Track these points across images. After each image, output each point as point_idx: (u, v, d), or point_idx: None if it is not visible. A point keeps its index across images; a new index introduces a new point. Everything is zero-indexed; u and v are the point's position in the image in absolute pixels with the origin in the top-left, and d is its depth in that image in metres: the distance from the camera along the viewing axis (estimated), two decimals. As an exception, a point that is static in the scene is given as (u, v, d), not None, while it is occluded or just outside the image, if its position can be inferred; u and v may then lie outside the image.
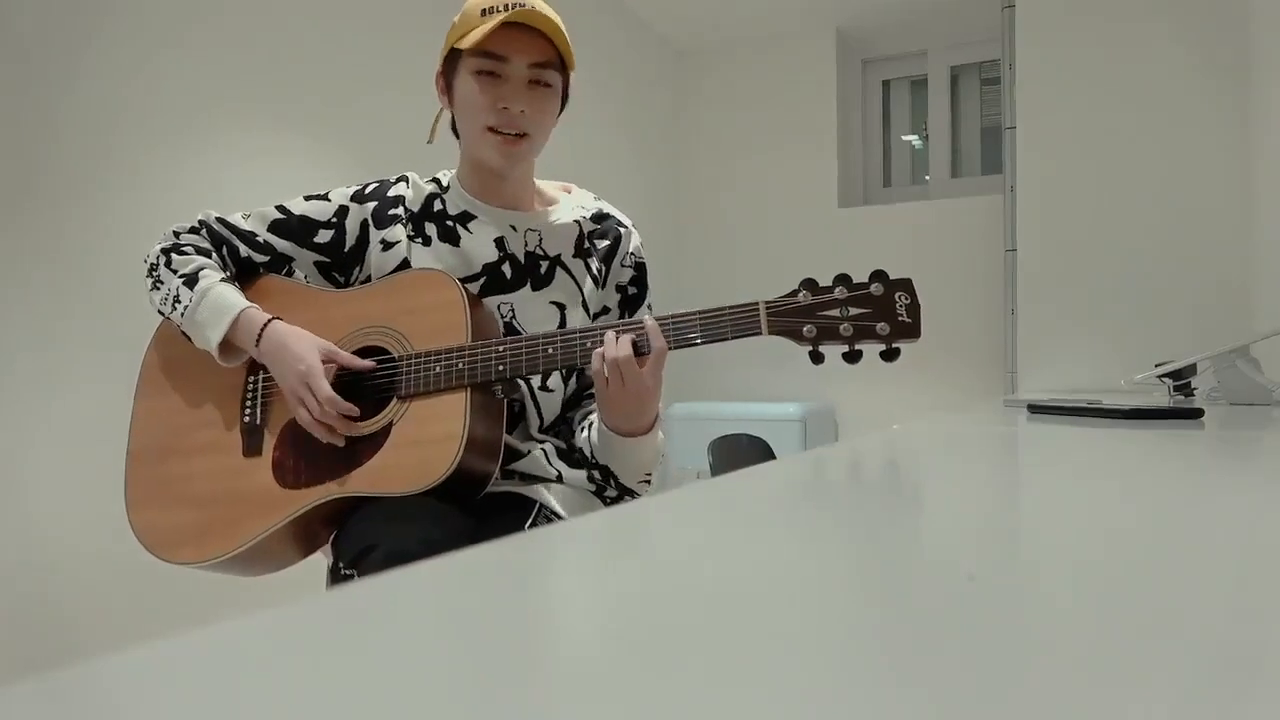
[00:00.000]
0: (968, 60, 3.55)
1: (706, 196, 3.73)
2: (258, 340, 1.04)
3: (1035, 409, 1.19)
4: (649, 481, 1.11)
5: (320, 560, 1.14)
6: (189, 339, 1.08)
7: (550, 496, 1.12)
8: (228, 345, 1.06)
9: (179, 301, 1.07)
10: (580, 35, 1.08)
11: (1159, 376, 1.51)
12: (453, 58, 1.08)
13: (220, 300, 1.05)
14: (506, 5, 1.03)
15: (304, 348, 1.02)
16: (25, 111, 1.63)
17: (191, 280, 1.07)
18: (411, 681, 0.20)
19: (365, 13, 2.32)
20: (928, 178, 3.64)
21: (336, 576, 0.95)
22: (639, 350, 0.97)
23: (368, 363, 1.04)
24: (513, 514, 1.06)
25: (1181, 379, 1.52)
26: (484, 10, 1.04)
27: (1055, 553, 0.35)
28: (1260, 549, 0.35)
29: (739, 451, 1.87)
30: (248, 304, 1.06)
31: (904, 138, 3.77)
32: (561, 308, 1.14)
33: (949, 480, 0.62)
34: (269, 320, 1.05)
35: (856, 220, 3.51)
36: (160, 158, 1.84)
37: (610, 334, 0.98)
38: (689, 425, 3.28)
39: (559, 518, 1.09)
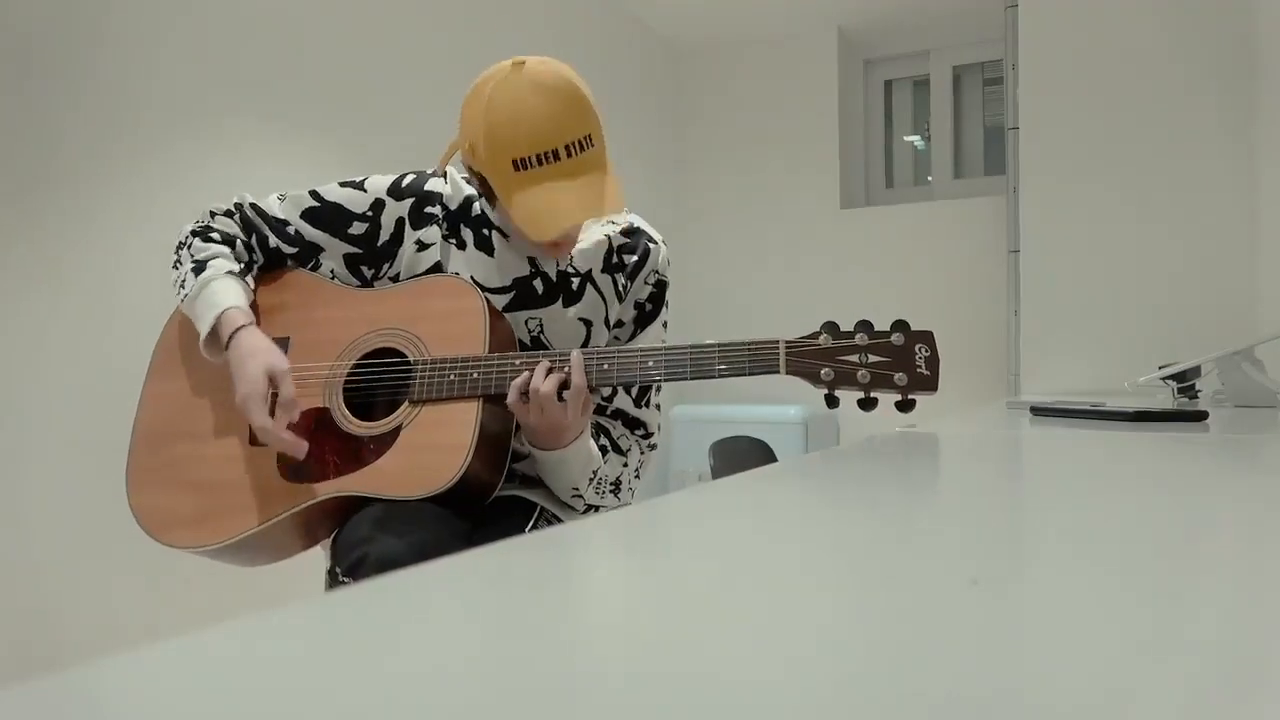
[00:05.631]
0: (970, 60, 3.55)
1: (708, 198, 3.73)
2: (226, 345, 1.04)
3: (1038, 411, 1.19)
4: (581, 496, 1.10)
5: (319, 557, 1.14)
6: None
7: (551, 499, 1.12)
8: (213, 343, 1.06)
9: (184, 286, 1.08)
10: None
11: (1163, 378, 1.50)
12: (491, 175, 1.01)
13: (213, 295, 1.06)
14: (545, 155, 0.97)
15: (254, 370, 0.99)
16: (25, 111, 1.63)
17: (200, 268, 1.08)
18: (408, 684, 0.20)
19: (369, 12, 2.32)
20: (930, 178, 3.64)
21: (335, 582, 0.95)
22: (561, 385, 0.99)
23: (297, 407, 1.00)
24: (514, 517, 1.06)
25: (1185, 381, 1.52)
26: (516, 163, 0.97)
27: (1058, 557, 0.35)
28: (1265, 552, 0.35)
29: (740, 454, 1.87)
30: (233, 304, 1.05)
31: (906, 138, 3.76)
32: (588, 324, 1.14)
33: (951, 483, 0.62)
34: (241, 327, 1.04)
35: (858, 221, 3.51)
36: (161, 157, 1.85)
37: (541, 366, 0.99)
38: (691, 427, 3.28)
39: (559, 520, 1.09)
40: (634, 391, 1.17)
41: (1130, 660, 0.21)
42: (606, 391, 1.16)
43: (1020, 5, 2.48)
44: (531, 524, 1.07)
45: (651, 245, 1.19)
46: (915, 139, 3.75)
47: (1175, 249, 2.30)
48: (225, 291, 1.06)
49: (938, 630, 0.24)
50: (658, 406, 1.20)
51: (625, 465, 1.14)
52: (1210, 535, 0.40)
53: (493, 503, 1.06)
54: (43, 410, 1.66)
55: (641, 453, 1.17)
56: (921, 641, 0.23)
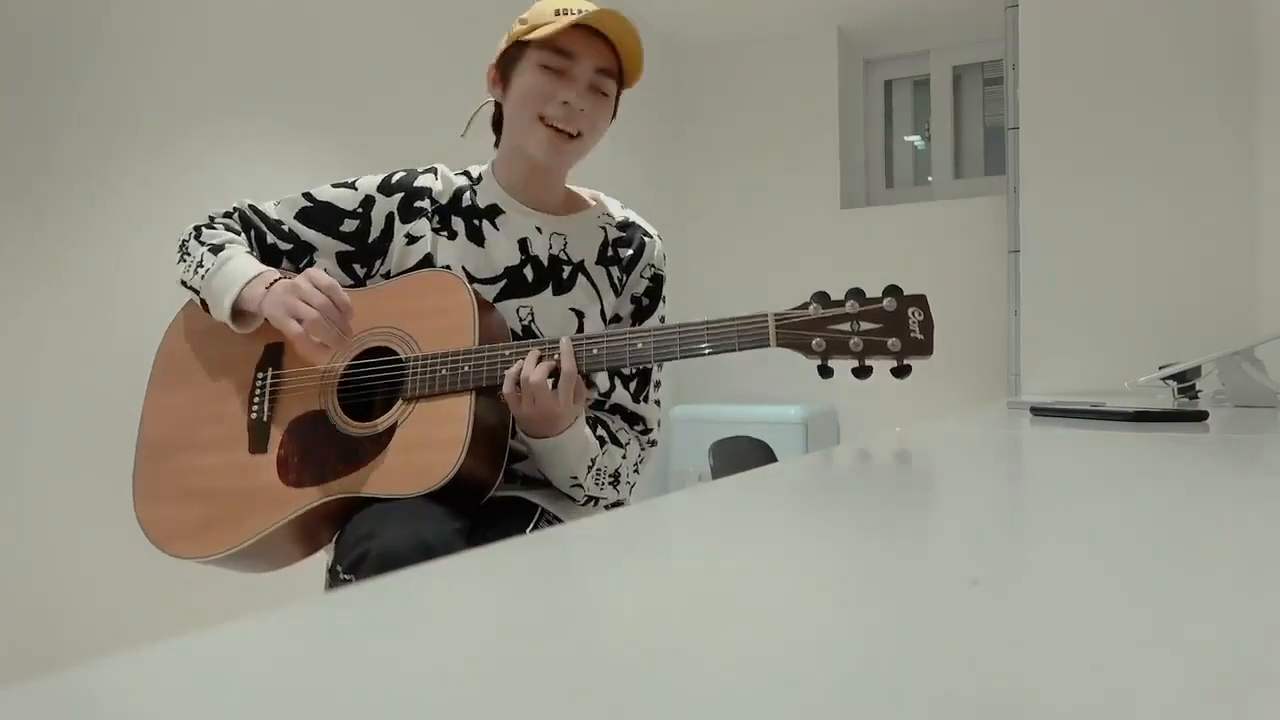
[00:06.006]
0: (970, 60, 3.55)
1: (708, 197, 3.73)
2: (268, 287, 1.04)
3: (1038, 411, 1.19)
4: (581, 486, 1.09)
5: (318, 560, 1.14)
6: (207, 309, 1.09)
7: (551, 500, 1.12)
8: (242, 313, 1.07)
9: (201, 266, 1.08)
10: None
11: (1163, 379, 1.50)
12: (515, 51, 1.09)
13: (238, 269, 1.06)
14: (581, 10, 1.05)
15: (301, 279, 1.03)
16: (25, 111, 1.63)
17: (217, 249, 1.09)
18: (407, 684, 0.20)
19: (374, 18, 2.32)
20: (930, 178, 3.64)
21: (335, 579, 0.95)
22: (552, 372, 0.99)
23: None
24: (515, 518, 1.06)
25: (1185, 381, 1.52)
26: (558, 10, 1.06)
27: (1058, 557, 0.35)
28: (1265, 552, 0.35)
29: (740, 454, 1.87)
30: (264, 270, 1.07)
31: (906, 138, 3.76)
32: (580, 314, 1.14)
33: (951, 483, 0.62)
34: (279, 278, 1.05)
35: (859, 221, 3.51)
36: (161, 158, 1.85)
37: (531, 355, 0.99)
38: (691, 427, 3.28)
39: (560, 522, 1.09)
40: (632, 386, 1.17)
41: (1130, 660, 0.21)
42: (605, 387, 1.16)
43: (1020, 5, 2.48)
44: (532, 525, 1.07)
45: (647, 239, 1.19)
46: (915, 139, 3.75)
47: (1175, 249, 2.30)
48: (251, 263, 1.08)
49: (938, 630, 0.24)
50: (657, 403, 1.20)
51: (624, 458, 1.14)
52: (1210, 535, 0.40)
53: (493, 504, 1.06)
54: (43, 410, 1.66)
55: (641, 448, 1.17)
56: (921, 641, 0.23)
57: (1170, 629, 0.24)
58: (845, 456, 0.75)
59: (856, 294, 0.95)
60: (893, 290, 0.94)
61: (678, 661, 0.22)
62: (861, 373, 0.94)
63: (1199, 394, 1.54)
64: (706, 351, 0.97)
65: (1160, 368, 1.50)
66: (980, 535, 0.40)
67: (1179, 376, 1.50)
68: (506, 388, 0.99)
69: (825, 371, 0.95)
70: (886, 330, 0.93)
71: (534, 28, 1.05)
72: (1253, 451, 0.79)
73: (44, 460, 1.66)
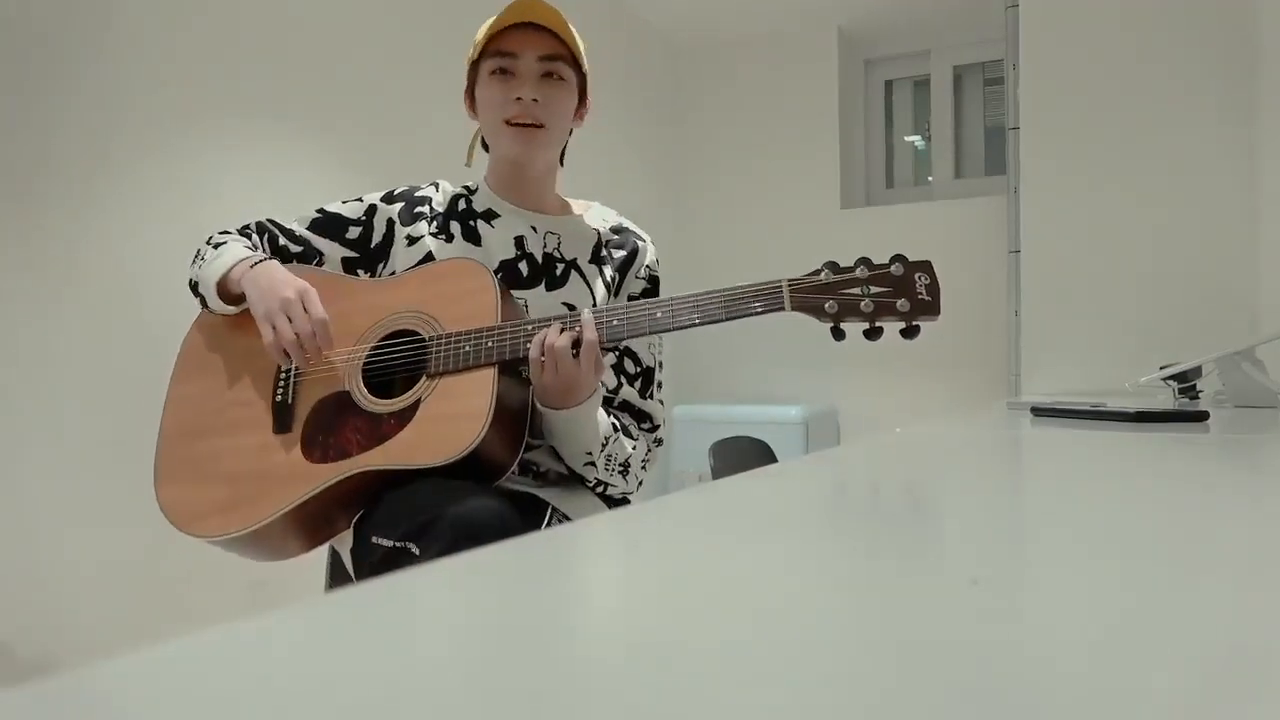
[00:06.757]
0: (971, 60, 3.55)
1: (707, 197, 3.73)
2: (251, 266, 1.06)
3: (1039, 411, 1.19)
4: (594, 464, 1.10)
5: (318, 561, 1.14)
6: (205, 301, 1.11)
7: (561, 499, 1.12)
8: (229, 294, 1.09)
9: (202, 258, 1.12)
10: (578, 31, 1.10)
11: (1164, 379, 1.50)
12: (473, 73, 1.15)
13: (231, 253, 1.10)
14: (522, 15, 1.10)
15: (299, 280, 1.06)
16: (25, 111, 1.63)
17: (218, 245, 1.14)
18: (409, 685, 0.20)
19: (372, 18, 2.32)
20: (930, 179, 3.64)
21: (370, 554, 0.93)
22: (574, 342, 1.01)
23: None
24: (527, 517, 1.07)
25: (1186, 381, 1.52)
26: (495, 22, 1.11)
27: (1059, 557, 0.35)
28: (1265, 552, 0.35)
29: (740, 454, 1.87)
30: (257, 253, 1.11)
31: (907, 138, 3.76)
32: (572, 309, 1.15)
33: (951, 483, 0.62)
34: (263, 260, 1.08)
35: (859, 221, 3.51)
36: (161, 158, 1.85)
37: (555, 326, 1.01)
38: (691, 427, 3.28)
39: (568, 520, 1.10)
40: (638, 384, 1.19)
41: (1130, 660, 0.21)
42: (612, 384, 1.17)
43: (1020, 5, 2.48)
44: (546, 523, 1.07)
45: (640, 243, 1.24)
46: (915, 139, 3.75)
47: (1176, 249, 2.30)
48: (246, 250, 1.12)
49: (938, 630, 0.24)
50: (660, 402, 1.22)
51: (634, 449, 1.15)
52: (1210, 535, 0.40)
53: (505, 498, 1.06)
54: (42, 410, 1.66)
55: (649, 446, 1.19)
56: (921, 641, 0.23)
57: (1170, 629, 0.24)
58: (845, 457, 0.75)
59: (865, 261, 1.00)
60: (899, 257, 0.99)
61: (680, 661, 0.22)
62: (873, 333, 0.98)
63: (1199, 394, 1.54)
64: (724, 317, 1.00)
65: (1161, 368, 1.50)
66: (980, 535, 0.40)
67: (1179, 376, 1.50)
68: (533, 353, 1.00)
69: (838, 333, 0.99)
70: (895, 293, 0.98)
71: (480, 44, 1.12)
72: (1253, 451, 0.79)
73: (43, 460, 1.66)
